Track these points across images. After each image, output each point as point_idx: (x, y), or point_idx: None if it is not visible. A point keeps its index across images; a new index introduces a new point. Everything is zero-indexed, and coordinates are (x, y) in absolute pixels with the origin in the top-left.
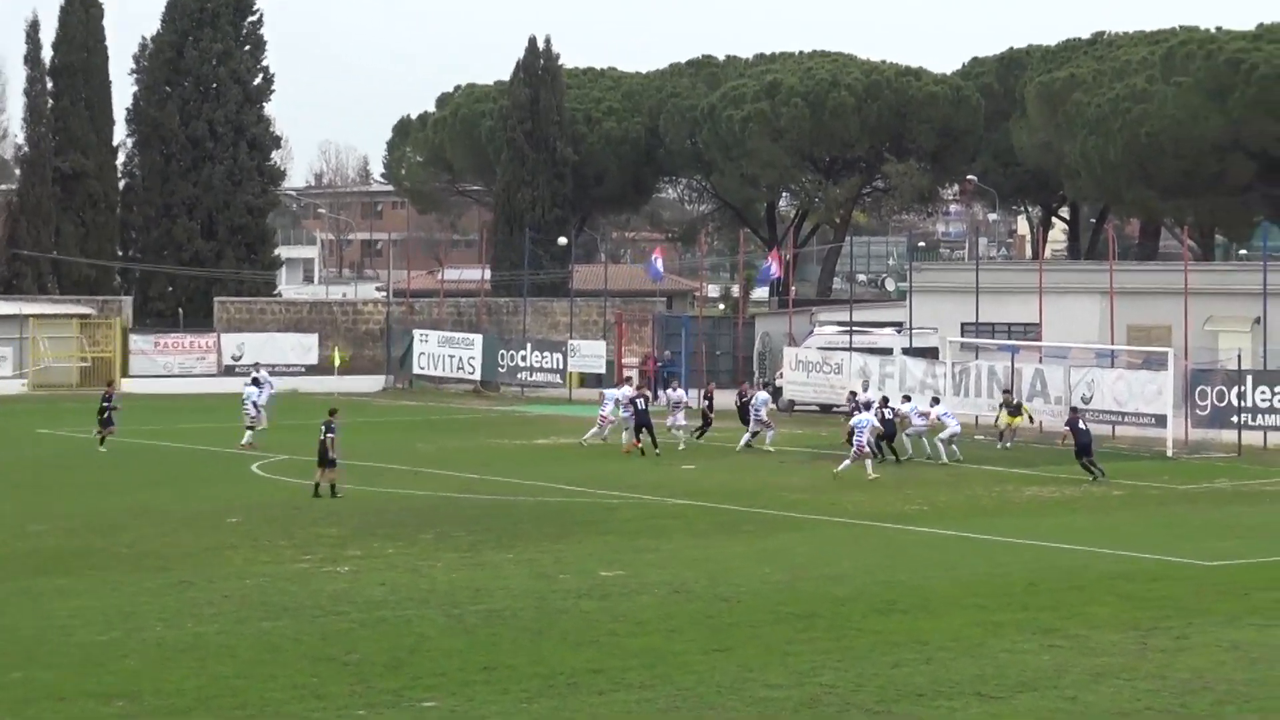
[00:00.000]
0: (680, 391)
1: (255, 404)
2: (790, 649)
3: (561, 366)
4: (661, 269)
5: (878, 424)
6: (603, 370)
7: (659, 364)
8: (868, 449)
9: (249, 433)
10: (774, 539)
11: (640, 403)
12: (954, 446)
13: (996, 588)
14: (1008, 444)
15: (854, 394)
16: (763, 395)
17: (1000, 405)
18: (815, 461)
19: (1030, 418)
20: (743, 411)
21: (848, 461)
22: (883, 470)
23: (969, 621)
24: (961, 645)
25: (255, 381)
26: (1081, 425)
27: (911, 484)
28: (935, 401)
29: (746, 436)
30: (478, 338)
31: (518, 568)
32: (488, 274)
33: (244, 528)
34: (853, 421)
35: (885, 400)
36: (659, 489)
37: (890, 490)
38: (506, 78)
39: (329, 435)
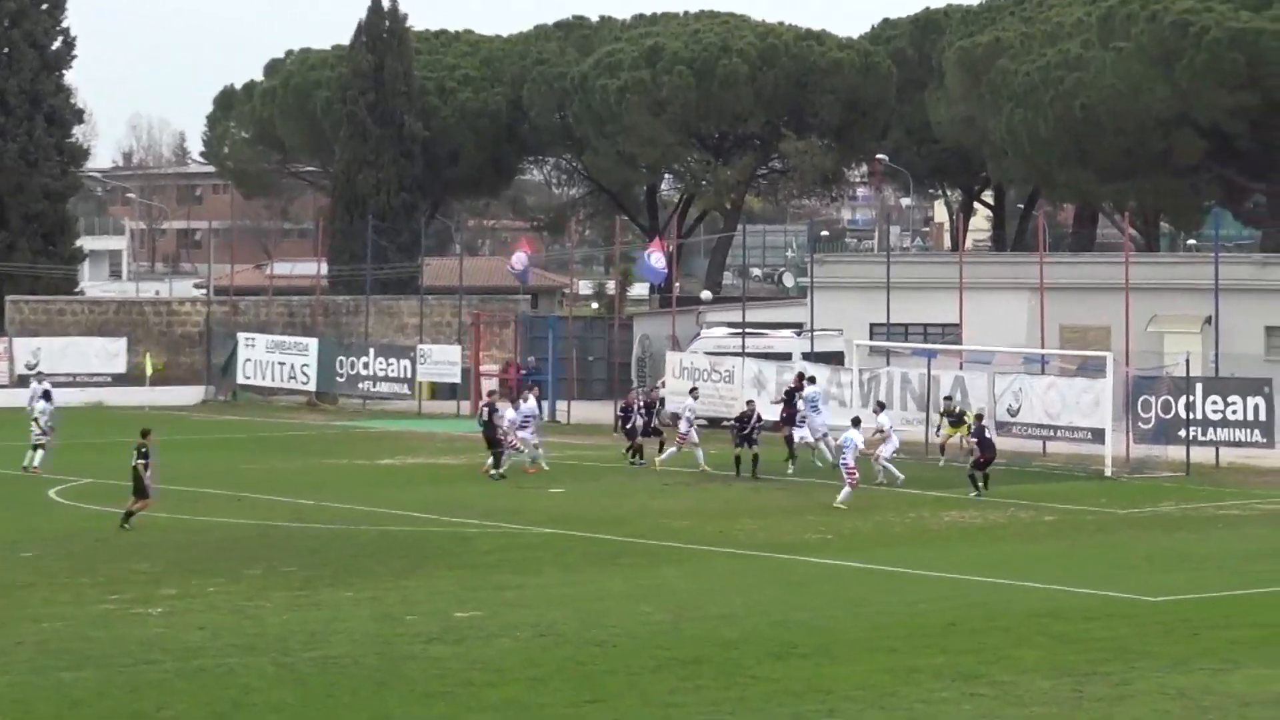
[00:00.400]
0: (531, 403)
1: (40, 420)
2: (673, 700)
3: (410, 375)
4: (526, 265)
5: (861, 444)
6: (457, 379)
7: (523, 372)
8: (857, 474)
9: (38, 453)
10: (654, 573)
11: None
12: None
13: (910, 628)
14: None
15: (792, 390)
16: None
17: (941, 415)
18: (702, 484)
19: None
20: (627, 422)
21: (846, 490)
22: (781, 492)
23: (878, 667)
24: (870, 695)
25: (47, 395)
26: (988, 436)
27: (812, 508)
28: (881, 407)
29: (671, 450)
30: (312, 342)
31: (358, 608)
32: (324, 268)
33: (40, 563)
34: (840, 440)
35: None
36: (521, 516)
37: (788, 516)
38: (346, 42)
39: (140, 462)
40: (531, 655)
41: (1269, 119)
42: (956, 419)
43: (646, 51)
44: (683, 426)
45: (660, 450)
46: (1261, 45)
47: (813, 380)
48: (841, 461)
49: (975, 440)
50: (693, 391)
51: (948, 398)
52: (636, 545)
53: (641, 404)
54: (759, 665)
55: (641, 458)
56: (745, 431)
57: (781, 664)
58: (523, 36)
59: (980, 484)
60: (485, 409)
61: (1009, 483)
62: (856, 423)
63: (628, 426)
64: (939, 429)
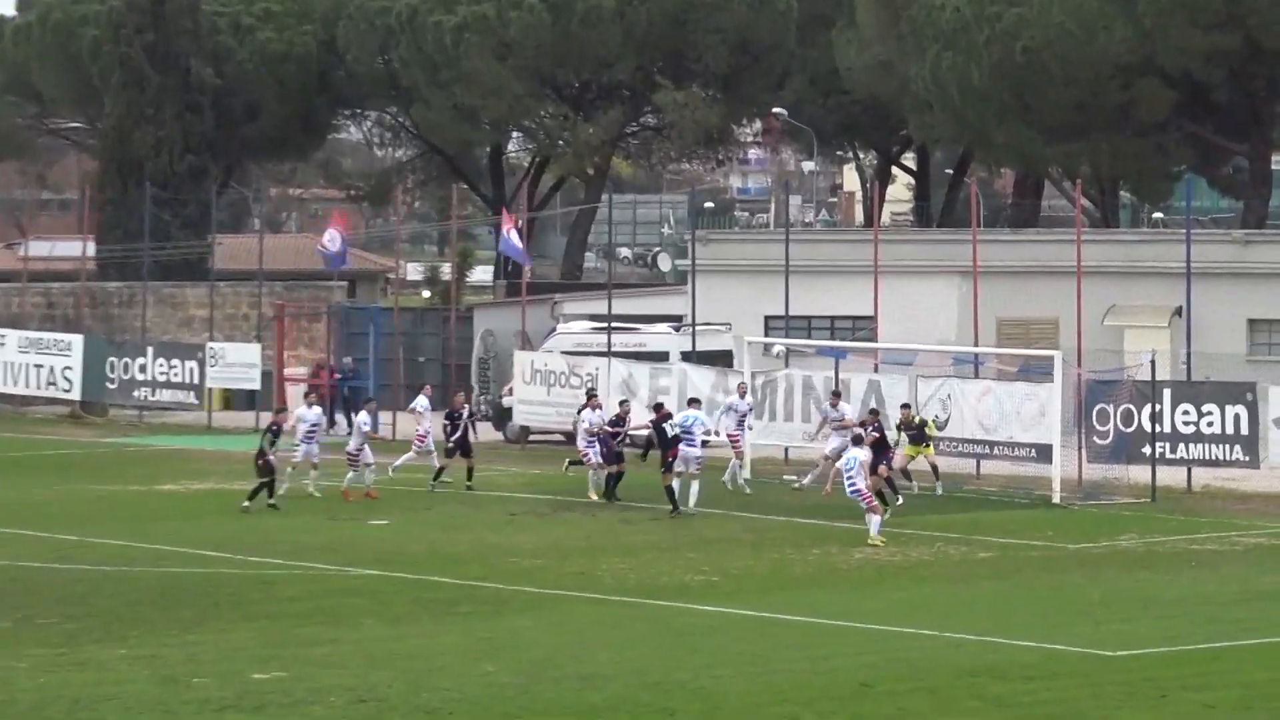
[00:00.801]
0: (365, 415)
1: None
2: None
3: (197, 380)
4: (341, 245)
5: (867, 458)
6: (257, 385)
7: (338, 376)
8: (874, 497)
9: None
10: (500, 624)
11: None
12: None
13: (815, 690)
14: (939, 489)
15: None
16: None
17: (898, 428)
18: (559, 513)
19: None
20: (455, 432)
21: (875, 520)
22: (654, 524)
23: None
24: None
25: None
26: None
27: (693, 543)
28: (836, 396)
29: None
30: (77, 339)
31: (134, 668)
32: (91, 249)
33: None
34: (840, 463)
35: (875, 414)
36: (336, 554)
37: (664, 554)
38: None
39: None
40: None
41: (1251, 66)
42: (917, 433)
43: None
44: (581, 443)
45: (468, 475)
46: None
47: (696, 403)
48: (851, 488)
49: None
50: (590, 397)
51: (905, 405)
52: (478, 590)
53: (464, 413)
54: None
55: (442, 478)
56: (618, 439)
57: None
58: None
59: (889, 497)
60: (271, 429)
61: (936, 511)
62: (695, 403)
63: (455, 438)
64: (896, 445)
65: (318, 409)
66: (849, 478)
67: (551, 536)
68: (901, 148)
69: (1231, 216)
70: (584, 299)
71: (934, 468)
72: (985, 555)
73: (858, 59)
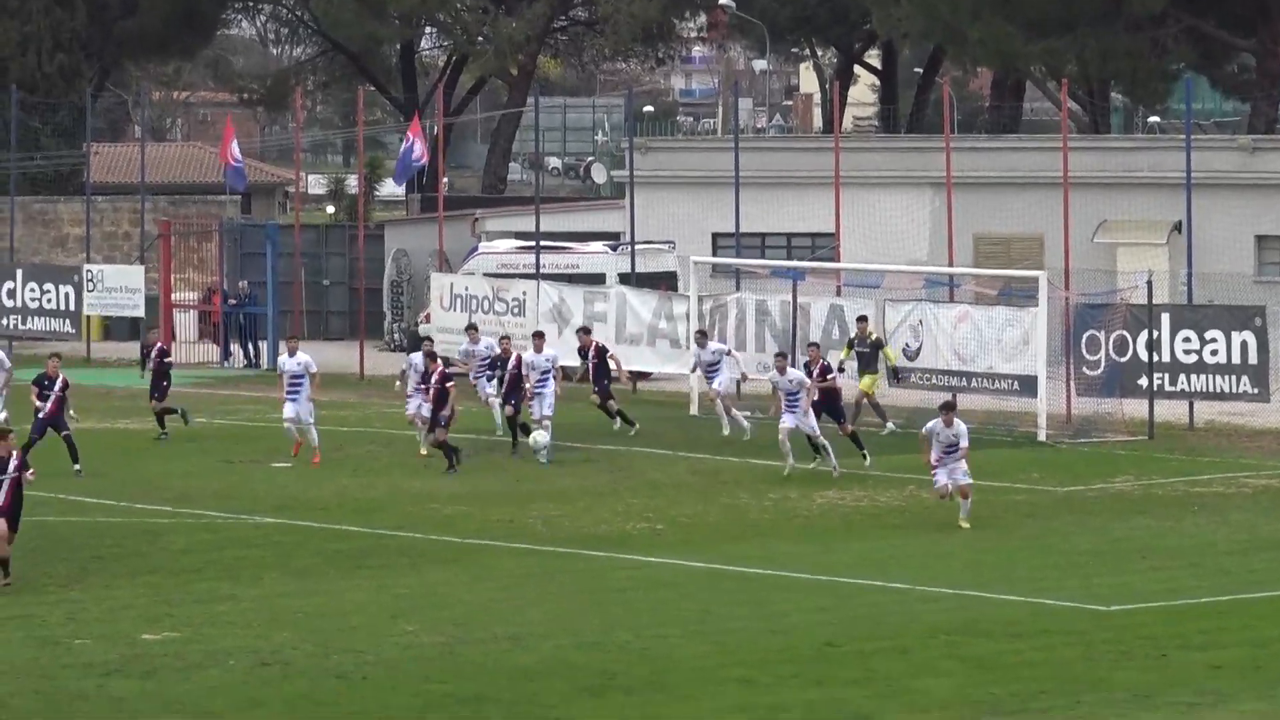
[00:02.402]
0: (298, 358)
1: None
2: None
3: (74, 307)
4: (240, 161)
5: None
6: (140, 312)
7: (231, 302)
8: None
9: None
10: (419, 578)
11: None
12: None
13: (773, 651)
14: (894, 427)
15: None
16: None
17: (849, 345)
18: (483, 454)
19: (895, 370)
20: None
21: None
22: (590, 466)
23: (731, 705)
24: None
25: None
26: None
27: (636, 487)
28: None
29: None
30: None
31: (7, 629)
32: None
33: None
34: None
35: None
36: (232, 501)
37: (602, 499)
38: None
39: None
40: (251, 693)
41: None
42: (869, 354)
43: None
44: (472, 377)
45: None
46: None
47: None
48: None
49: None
50: (470, 331)
51: (861, 318)
52: (393, 540)
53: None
54: (565, 704)
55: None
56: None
57: (596, 701)
58: None
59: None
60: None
61: (906, 451)
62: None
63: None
64: (840, 365)
65: (302, 355)
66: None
67: (475, 481)
68: (865, 44)
69: (1236, 120)
70: (508, 214)
71: (875, 405)
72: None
73: None
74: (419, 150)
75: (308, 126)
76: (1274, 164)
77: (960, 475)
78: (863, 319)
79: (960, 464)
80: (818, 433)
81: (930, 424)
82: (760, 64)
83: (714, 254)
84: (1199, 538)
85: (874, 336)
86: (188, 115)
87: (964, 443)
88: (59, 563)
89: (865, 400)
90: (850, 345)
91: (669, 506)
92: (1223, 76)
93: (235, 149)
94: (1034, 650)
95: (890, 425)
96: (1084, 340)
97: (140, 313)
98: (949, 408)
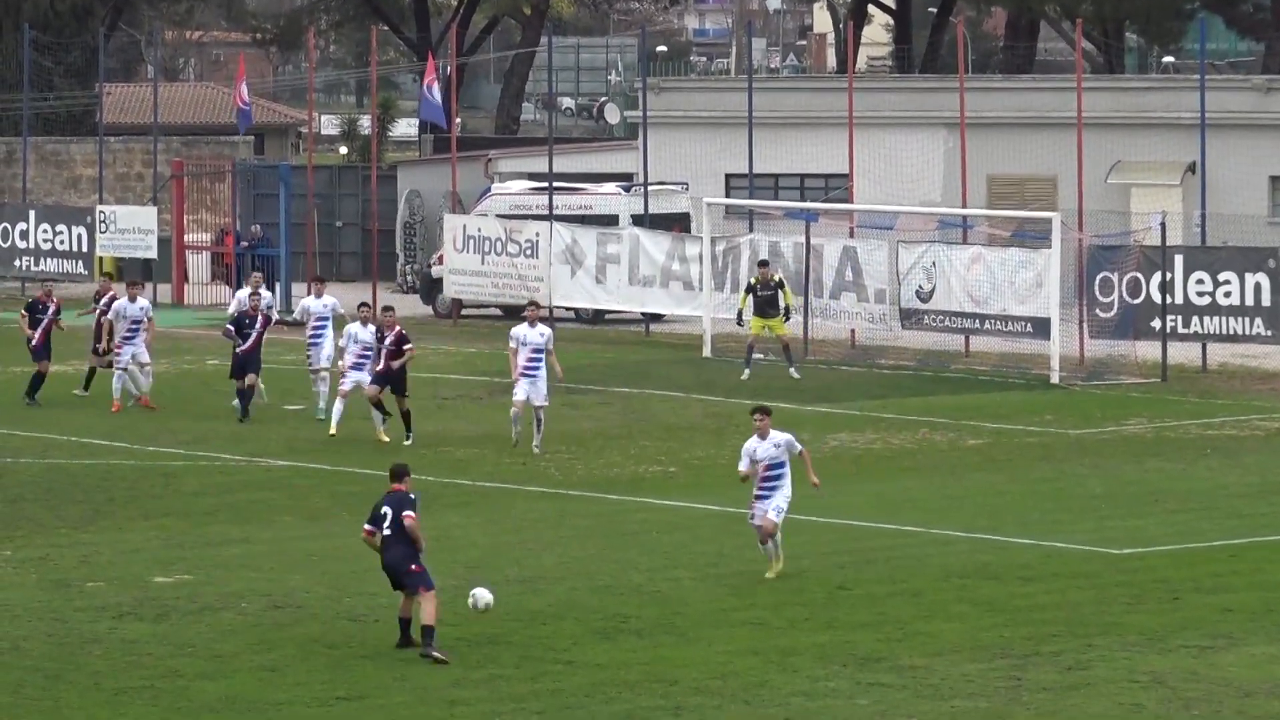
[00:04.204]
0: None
1: None
2: (459, 695)
3: (86, 248)
4: (248, 103)
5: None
6: (153, 253)
7: (244, 244)
8: None
9: None
10: (432, 521)
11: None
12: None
13: (785, 594)
14: (795, 372)
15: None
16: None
17: (748, 290)
18: (497, 398)
19: (788, 313)
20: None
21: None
22: (605, 409)
23: (742, 648)
24: (730, 685)
25: None
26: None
27: (649, 430)
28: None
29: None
30: None
31: (21, 571)
32: None
33: None
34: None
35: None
36: (244, 444)
37: (614, 442)
38: None
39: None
40: (263, 636)
41: None
42: (771, 296)
43: None
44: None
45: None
46: None
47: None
48: None
49: None
50: (316, 286)
51: (763, 263)
52: None
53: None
54: (578, 646)
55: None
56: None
57: (608, 645)
58: None
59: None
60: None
61: (919, 393)
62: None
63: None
64: (739, 316)
65: (328, 297)
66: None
67: (488, 424)
68: None
69: (1251, 60)
70: (521, 155)
71: (785, 347)
72: (975, 443)
73: None
74: (437, 94)
75: (321, 67)
76: None
77: (772, 508)
78: (764, 263)
79: (783, 488)
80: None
81: (747, 444)
82: (774, 3)
83: (727, 195)
84: (1211, 481)
85: (777, 278)
86: (201, 55)
87: (795, 451)
88: (72, 505)
89: (782, 343)
90: (750, 290)
91: (682, 449)
92: (1237, 16)
93: (244, 90)
94: (1046, 593)
95: (793, 371)
96: (1097, 282)
97: (153, 254)
98: (764, 412)
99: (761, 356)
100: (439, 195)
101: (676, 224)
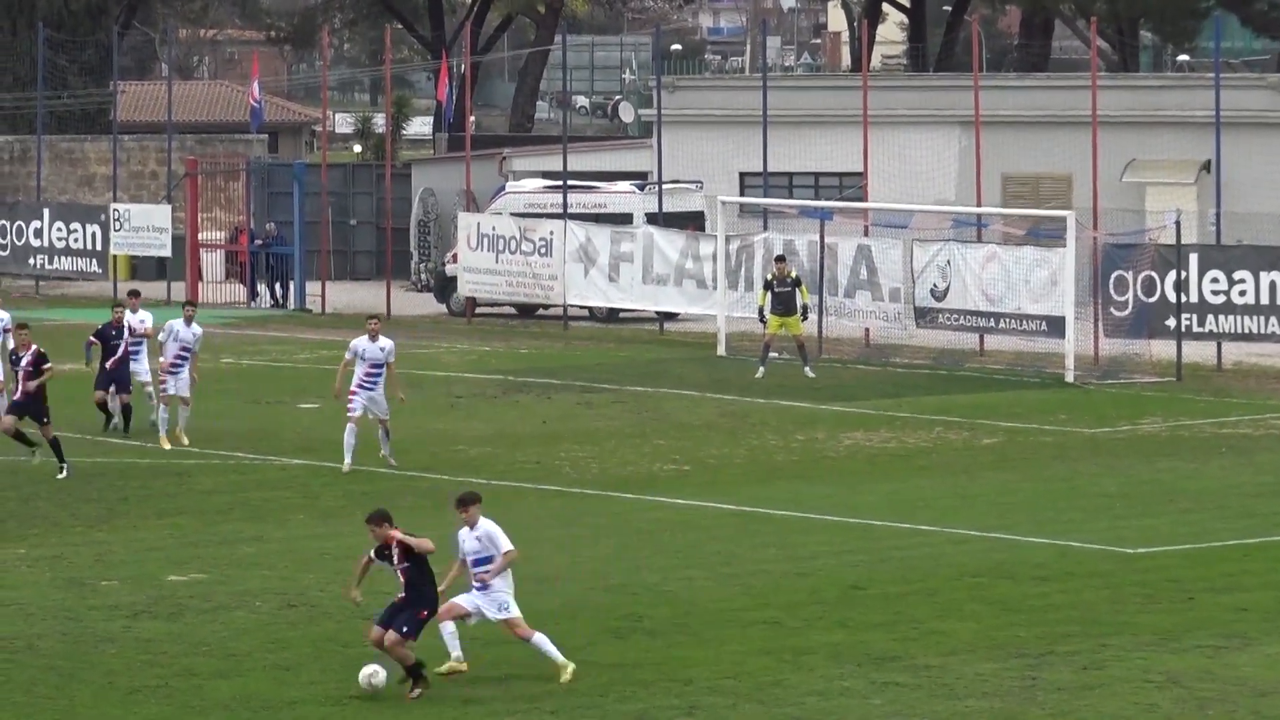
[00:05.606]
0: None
1: None
2: (471, 695)
3: (100, 247)
4: (260, 101)
5: None
6: (167, 252)
7: (258, 242)
8: None
9: None
10: (444, 519)
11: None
12: None
13: (800, 593)
14: (810, 371)
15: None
16: None
17: (766, 286)
18: (510, 396)
19: (804, 312)
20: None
21: None
22: (618, 407)
23: (756, 648)
24: (744, 685)
25: None
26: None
27: (663, 429)
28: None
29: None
30: None
31: (35, 570)
32: None
33: None
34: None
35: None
36: (258, 442)
37: (629, 440)
38: None
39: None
40: (276, 635)
41: None
42: (789, 294)
43: None
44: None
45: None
46: None
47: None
48: None
49: None
50: (187, 305)
51: (779, 258)
52: (419, 482)
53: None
54: (591, 646)
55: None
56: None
57: (621, 644)
58: None
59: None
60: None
61: (934, 392)
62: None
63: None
64: (761, 313)
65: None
66: None
67: (502, 422)
68: None
69: (1267, 59)
70: (536, 154)
71: (801, 346)
72: (990, 441)
73: None
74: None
75: (335, 65)
76: None
77: (492, 605)
78: (780, 259)
79: (503, 585)
80: None
81: (456, 533)
82: (788, 2)
83: (741, 193)
84: (1226, 480)
85: (793, 274)
86: (215, 53)
87: (504, 548)
88: (86, 504)
89: (797, 342)
90: (768, 286)
91: (696, 448)
92: (1252, 14)
93: (256, 88)
94: (1060, 593)
95: (808, 370)
96: (1112, 281)
97: (167, 252)
98: (465, 503)
99: (776, 355)
100: (453, 193)
101: (691, 223)
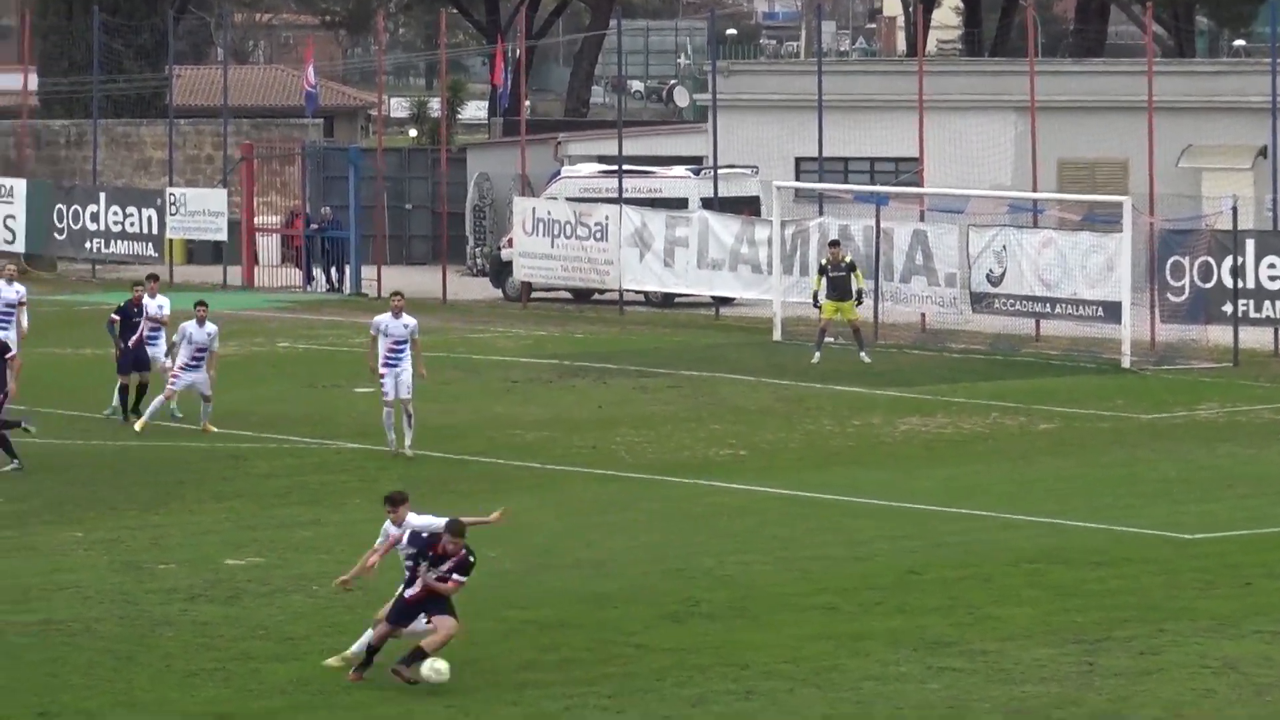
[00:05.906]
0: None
1: None
2: (529, 678)
3: (156, 230)
4: (315, 85)
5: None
6: (223, 236)
7: (314, 226)
8: None
9: None
10: (502, 504)
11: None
12: None
13: (856, 578)
14: (866, 356)
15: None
16: None
17: (821, 271)
18: (566, 380)
19: (859, 296)
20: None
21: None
22: (675, 391)
23: (813, 632)
24: (802, 669)
25: None
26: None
27: (719, 414)
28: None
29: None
30: (19, 184)
31: (92, 553)
32: (34, 82)
33: None
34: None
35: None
36: (315, 426)
37: (685, 425)
38: None
39: None
40: (332, 618)
41: None
42: (844, 278)
43: None
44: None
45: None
46: None
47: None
48: None
49: None
50: (199, 306)
51: (833, 243)
52: (476, 466)
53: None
54: (648, 630)
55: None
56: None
57: (679, 628)
58: None
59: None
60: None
61: (990, 377)
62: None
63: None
64: (815, 298)
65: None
66: None
67: (558, 406)
68: None
69: None
70: (591, 138)
71: (856, 331)
72: (1046, 427)
73: None
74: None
75: (390, 49)
76: None
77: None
78: (834, 243)
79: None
80: None
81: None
82: None
83: (797, 178)
84: None
85: (848, 259)
86: (270, 38)
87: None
88: (142, 487)
89: (853, 327)
90: (822, 271)
91: (752, 433)
92: None
93: (310, 73)
94: (1117, 578)
95: (864, 355)
96: (1168, 266)
97: (223, 236)
98: (395, 502)
99: (832, 340)
100: (508, 178)
101: (746, 207)
